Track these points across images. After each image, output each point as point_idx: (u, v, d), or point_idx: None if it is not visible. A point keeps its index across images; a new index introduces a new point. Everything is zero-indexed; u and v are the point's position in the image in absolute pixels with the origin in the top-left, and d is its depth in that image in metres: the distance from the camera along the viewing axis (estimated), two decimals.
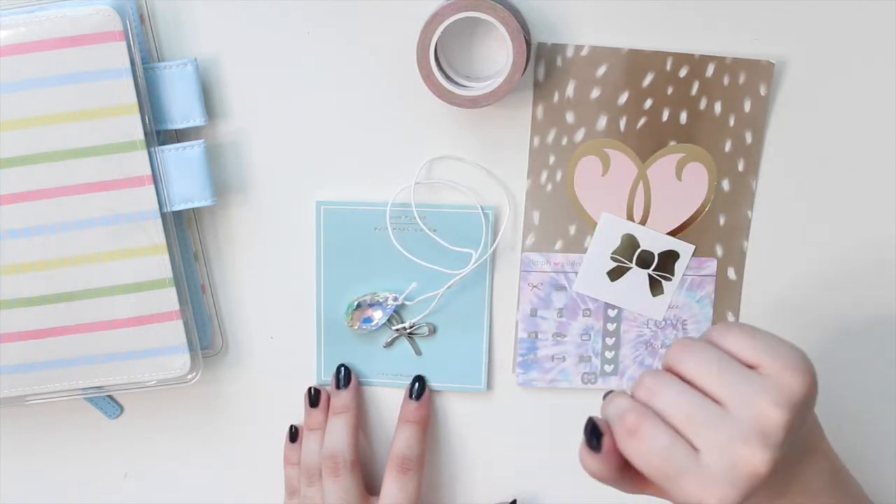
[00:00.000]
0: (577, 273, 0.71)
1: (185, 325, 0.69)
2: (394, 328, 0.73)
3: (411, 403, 0.73)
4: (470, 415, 0.74)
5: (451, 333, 0.73)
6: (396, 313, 0.72)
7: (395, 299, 0.72)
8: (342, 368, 0.73)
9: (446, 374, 0.73)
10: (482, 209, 0.70)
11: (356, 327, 0.72)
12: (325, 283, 0.72)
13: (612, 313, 0.72)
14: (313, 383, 0.74)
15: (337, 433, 0.71)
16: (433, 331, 0.73)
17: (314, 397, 0.73)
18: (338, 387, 0.73)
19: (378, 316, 0.72)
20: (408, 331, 0.73)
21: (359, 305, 0.72)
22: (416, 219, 0.70)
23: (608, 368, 0.73)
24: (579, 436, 0.74)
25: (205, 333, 0.72)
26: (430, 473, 0.75)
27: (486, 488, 0.75)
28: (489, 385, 0.73)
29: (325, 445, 0.71)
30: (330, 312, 0.73)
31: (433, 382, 0.74)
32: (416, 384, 0.73)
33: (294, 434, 0.74)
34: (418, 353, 0.73)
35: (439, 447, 0.75)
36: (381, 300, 0.72)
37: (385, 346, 0.73)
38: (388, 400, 0.74)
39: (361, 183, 0.70)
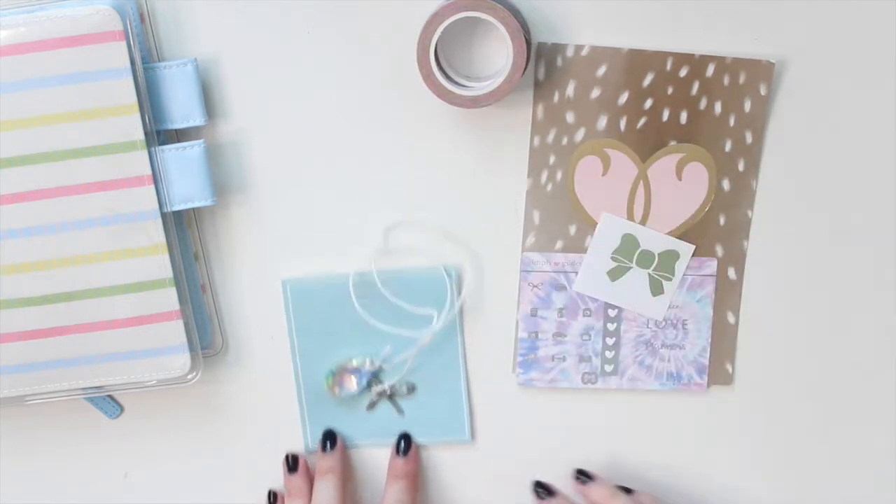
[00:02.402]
0: (577, 273, 0.71)
1: (185, 325, 0.69)
2: (374, 391, 0.73)
3: (399, 459, 0.73)
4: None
5: (430, 389, 0.73)
6: (375, 376, 0.72)
7: (372, 363, 0.72)
8: (327, 433, 0.73)
9: (430, 430, 0.73)
10: (445, 269, 0.70)
11: (336, 393, 0.72)
12: (301, 354, 0.72)
13: (612, 313, 0.72)
14: (300, 445, 0.74)
15: (323, 494, 0.71)
16: (412, 389, 0.73)
17: (292, 463, 0.73)
18: (324, 450, 0.73)
19: (356, 381, 0.72)
20: (388, 392, 0.73)
21: (337, 372, 0.72)
22: (377, 286, 0.70)
23: (608, 368, 0.73)
24: (580, 436, 0.74)
25: (205, 333, 0.72)
26: None
27: None
28: (473, 434, 0.74)
29: None
30: (309, 381, 0.73)
31: (418, 438, 0.74)
32: (402, 441, 0.73)
33: (273, 500, 0.74)
34: (400, 412, 0.73)
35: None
36: (357, 366, 0.72)
37: (368, 409, 0.73)
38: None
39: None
